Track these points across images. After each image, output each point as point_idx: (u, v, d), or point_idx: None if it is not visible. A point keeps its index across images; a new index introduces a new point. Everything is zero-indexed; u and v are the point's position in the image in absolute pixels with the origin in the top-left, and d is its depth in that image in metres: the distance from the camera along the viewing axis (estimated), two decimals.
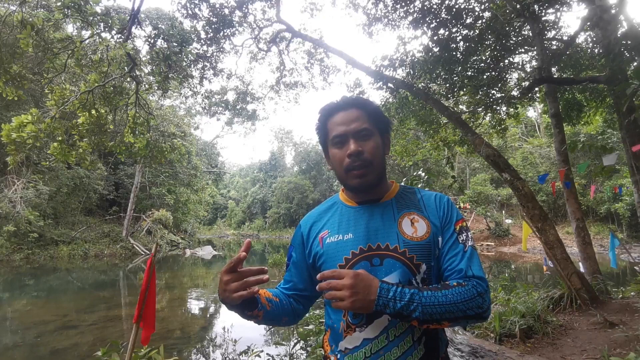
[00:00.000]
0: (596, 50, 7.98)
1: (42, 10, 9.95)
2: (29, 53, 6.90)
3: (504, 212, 27.11)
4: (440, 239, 1.02)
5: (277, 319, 1.11)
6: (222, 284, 0.95)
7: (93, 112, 7.12)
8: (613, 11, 5.33)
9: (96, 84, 7.10)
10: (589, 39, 8.50)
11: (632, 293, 6.62)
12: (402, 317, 0.90)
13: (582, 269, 6.45)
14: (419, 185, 6.29)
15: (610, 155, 3.70)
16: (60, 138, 6.90)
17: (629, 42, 4.76)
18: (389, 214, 1.06)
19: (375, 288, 0.89)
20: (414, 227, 1.02)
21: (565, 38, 8.04)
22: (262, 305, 1.04)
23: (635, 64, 5.00)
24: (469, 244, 1.02)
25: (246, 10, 9.23)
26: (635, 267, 9.56)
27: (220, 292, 0.96)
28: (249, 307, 1.01)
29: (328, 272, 0.92)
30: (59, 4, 6.08)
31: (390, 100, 9.06)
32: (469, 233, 1.05)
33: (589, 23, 6.98)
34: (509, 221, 25.43)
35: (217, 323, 7.69)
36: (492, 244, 23.65)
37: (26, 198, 16.99)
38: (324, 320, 4.38)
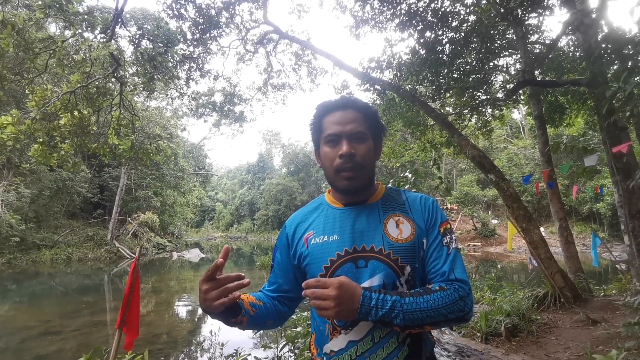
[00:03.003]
0: (577, 54, 8.16)
1: (24, 9, 9.74)
2: (10, 53, 6.73)
3: (490, 212, 27.51)
4: (425, 240, 1.02)
5: (262, 323, 1.10)
6: (202, 293, 0.93)
7: (75, 113, 6.98)
8: (594, 15, 5.44)
9: (79, 85, 6.97)
10: (571, 43, 8.69)
11: (613, 291, 6.77)
12: (384, 323, 0.91)
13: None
14: (406, 187, 6.34)
15: (591, 157, 3.79)
16: (41, 140, 6.74)
17: (609, 45, 4.87)
18: (374, 215, 1.05)
19: (358, 297, 0.90)
20: (399, 229, 1.02)
21: (547, 42, 8.21)
22: (245, 310, 1.02)
23: (615, 67, 5.11)
24: (453, 246, 1.03)
25: (233, 11, 9.18)
26: (616, 266, 9.79)
27: (201, 301, 0.95)
28: (232, 314, 0.99)
29: (312, 281, 0.90)
30: (40, 2, 5.96)
31: (378, 102, 9.11)
32: (453, 235, 1.05)
33: (570, 27, 7.13)
34: (495, 221, 25.81)
35: (204, 326, 7.61)
36: (479, 244, 23.96)
37: (7, 201, 16.57)
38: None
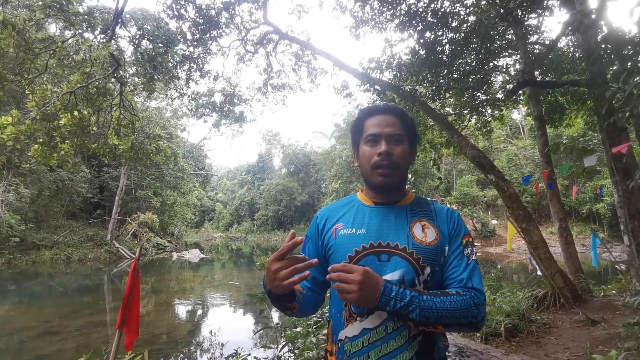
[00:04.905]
0: (577, 54, 8.17)
1: (24, 10, 9.74)
2: (10, 53, 6.74)
3: (490, 213, 27.51)
4: (447, 248, 1.09)
5: (306, 310, 1.18)
6: (271, 273, 0.97)
7: (75, 113, 6.98)
8: (593, 16, 5.44)
9: (78, 85, 6.97)
10: (570, 43, 8.69)
11: (613, 291, 6.77)
12: (400, 316, 0.97)
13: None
14: (406, 187, 6.33)
15: (591, 157, 3.79)
16: (41, 140, 6.74)
17: (609, 46, 4.87)
18: (402, 217, 1.12)
19: (380, 286, 0.95)
20: (424, 233, 1.08)
21: (547, 42, 8.20)
22: (297, 298, 1.10)
23: (614, 67, 5.11)
24: (473, 257, 1.09)
25: (233, 12, 9.19)
26: (616, 266, 9.79)
27: (269, 281, 0.99)
28: (289, 299, 1.06)
29: (339, 266, 0.96)
30: (40, 3, 5.96)
31: (377, 102, 9.12)
32: (473, 248, 1.12)
33: (570, 27, 7.13)
34: (494, 222, 25.81)
35: (204, 327, 7.61)
36: (479, 244, 23.97)
37: (7, 201, 16.56)
38: (311, 322, 4.37)
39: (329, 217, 1.20)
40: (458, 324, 0.97)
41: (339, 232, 1.14)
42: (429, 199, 1.24)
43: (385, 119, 1.13)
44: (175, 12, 8.41)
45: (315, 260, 0.99)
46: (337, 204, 1.25)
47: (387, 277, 1.02)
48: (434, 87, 8.11)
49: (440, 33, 7.33)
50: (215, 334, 6.20)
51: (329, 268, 0.97)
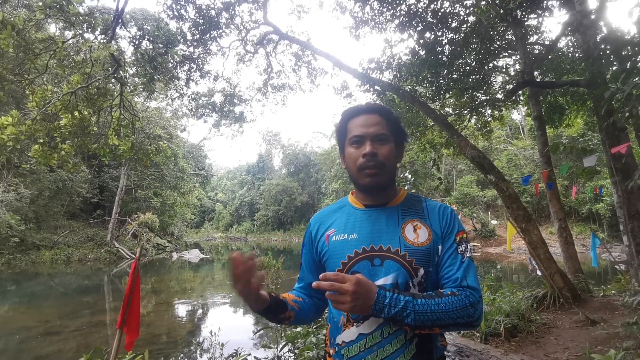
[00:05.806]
0: (577, 55, 8.18)
1: (23, 10, 9.75)
2: (10, 53, 6.74)
3: (489, 213, 27.50)
4: (440, 247, 1.07)
5: (306, 317, 1.20)
6: (245, 298, 1.02)
7: (76, 113, 6.99)
8: (593, 16, 5.46)
9: (79, 85, 6.97)
10: (570, 44, 8.70)
11: (612, 291, 6.77)
12: (395, 321, 0.96)
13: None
14: (405, 187, 6.35)
15: (590, 157, 3.79)
16: (41, 140, 6.74)
17: (608, 46, 4.87)
18: (393, 218, 1.10)
19: (373, 294, 0.94)
20: (416, 234, 1.07)
21: (547, 42, 8.22)
22: (291, 307, 1.13)
23: (614, 67, 5.11)
24: (467, 255, 1.07)
25: (233, 12, 9.19)
26: (615, 266, 9.79)
27: (252, 306, 1.05)
28: (280, 310, 1.10)
29: (331, 275, 0.95)
30: (40, 3, 5.96)
31: (377, 103, 9.11)
32: (468, 245, 1.09)
33: (569, 28, 7.14)
34: (494, 222, 25.81)
35: (204, 327, 7.61)
36: (479, 244, 23.98)
37: (7, 202, 16.56)
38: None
39: (321, 224, 1.19)
40: (454, 324, 0.96)
41: (331, 238, 1.13)
42: (422, 196, 1.22)
43: (369, 119, 1.11)
44: (176, 13, 8.42)
45: (254, 253, 0.99)
46: (329, 209, 1.23)
47: (381, 281, 1.01)
48: (433, 88, 8.12)
49: (440, 33, 7.34)
50: (215, 334, 6.20)
51: (321, 276, 0.95)
